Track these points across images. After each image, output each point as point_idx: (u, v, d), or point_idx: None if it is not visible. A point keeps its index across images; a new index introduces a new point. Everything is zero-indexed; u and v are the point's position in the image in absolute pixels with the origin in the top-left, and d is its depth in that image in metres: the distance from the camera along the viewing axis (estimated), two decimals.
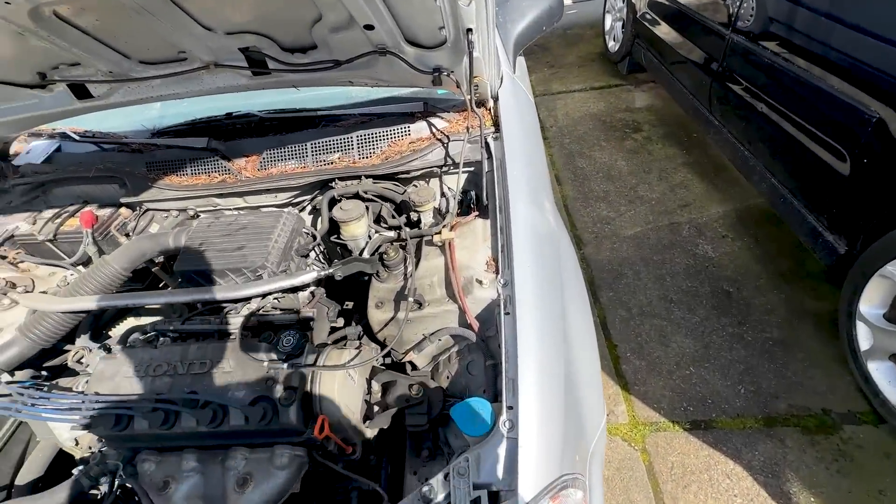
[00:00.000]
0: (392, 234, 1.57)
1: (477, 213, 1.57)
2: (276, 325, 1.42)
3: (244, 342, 1.26)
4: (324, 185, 1.72)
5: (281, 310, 1.41)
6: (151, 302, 1.42)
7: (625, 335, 2.57)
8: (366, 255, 1.61)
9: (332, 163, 1.67)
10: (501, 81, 1.82)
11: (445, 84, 1.51)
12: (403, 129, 1.69)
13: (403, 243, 1.56)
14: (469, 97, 1.53)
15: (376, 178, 1.68)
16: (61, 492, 1.21)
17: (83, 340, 1.55)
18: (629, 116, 4.26)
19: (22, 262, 1.74)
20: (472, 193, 1.68)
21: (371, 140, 1.68)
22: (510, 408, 1.06)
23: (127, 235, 1.75)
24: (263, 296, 1.40)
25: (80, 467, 1.23)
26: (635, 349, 2.49)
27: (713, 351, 2.43)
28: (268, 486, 1.20)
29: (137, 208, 1.79)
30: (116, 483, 1.24)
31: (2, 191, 1.88)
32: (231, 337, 1.31)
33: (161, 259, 1.77)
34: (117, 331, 1.74)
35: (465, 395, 1.35)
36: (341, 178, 1.67)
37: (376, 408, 1.30)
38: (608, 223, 3.27)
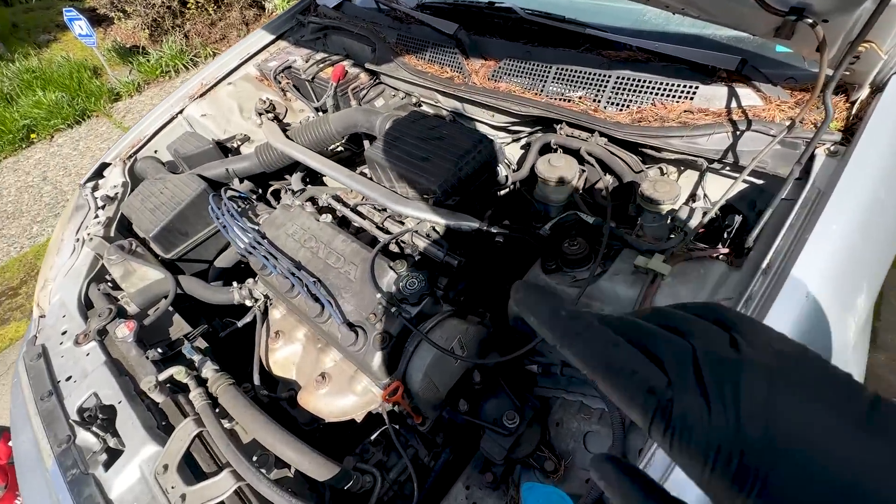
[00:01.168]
0: (591, 219, 1.18)
1: (727, 251, 1.03)
2: (418, 256, 1.29)
3: (378, 260, 1.17)
4: (547, 124, 1.38)
5: (429, 242, 1.25)
6: (332, 174, 1.44)
7: None
8: (548, 227, 1.28)
9: (568, 100, 1.29)
10: None
11: (796, 39, 0.90)
12: (686, 89, 1.16)
13: (598, 240, 1.16)
14: (829, 72, 0.90)
15: (613, 140, 1.25)
16: (221, 293, 1.45)
17: (294, 179, 1.74)
18: None
19: (287, 91, 2.00)
20: (738, 219, 1.10)
21: (632, 88, 1.22)
22: None
23: (359, 102, 1.80)
24: (418, 221, 1.25)
25: (236, 284, 1.43)
26: None
27: None
28: (337, 398, 1.18)
29: (375, 77, 1.79)
30: (258, 310, 1.41)
31: (301, 24, 2.13)
32: (376, 245, 1.24)
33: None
34: (331, 180, 1.91)
35: (566, 461, 1.02)
36: (570, 124, 1.30)
37: (463, 403, 1.10)
38: None
